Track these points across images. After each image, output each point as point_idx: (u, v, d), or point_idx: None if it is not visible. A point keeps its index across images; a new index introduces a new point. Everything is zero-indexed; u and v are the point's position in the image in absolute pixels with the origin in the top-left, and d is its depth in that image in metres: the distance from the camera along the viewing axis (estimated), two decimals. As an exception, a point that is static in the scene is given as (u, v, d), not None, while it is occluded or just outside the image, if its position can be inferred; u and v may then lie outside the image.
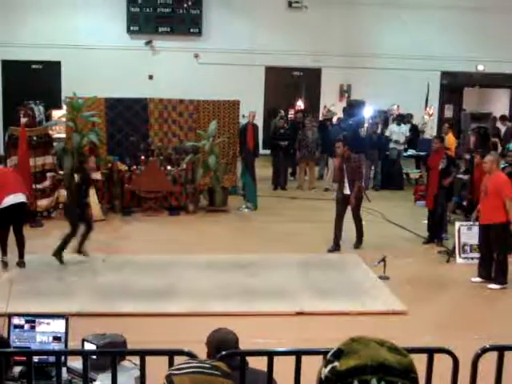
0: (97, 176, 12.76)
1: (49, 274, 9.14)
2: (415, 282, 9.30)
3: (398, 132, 17.00)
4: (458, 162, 13.34)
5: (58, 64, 20.50)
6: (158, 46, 20.88)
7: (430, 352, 3.51)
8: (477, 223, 9.66)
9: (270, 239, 11.39)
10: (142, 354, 3.80)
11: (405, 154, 17.27)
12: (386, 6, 20.74)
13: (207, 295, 8.41)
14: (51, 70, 20.49)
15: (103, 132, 13.97)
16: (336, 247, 10.68)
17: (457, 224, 10.50)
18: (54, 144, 13.63)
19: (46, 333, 4.73)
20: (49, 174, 12.66)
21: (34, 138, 12.44)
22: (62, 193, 12.77)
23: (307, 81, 21.69)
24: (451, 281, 9.56)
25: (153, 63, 20.72)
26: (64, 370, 4.42)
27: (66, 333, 4.72)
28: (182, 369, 2.39)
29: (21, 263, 9.46)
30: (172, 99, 14.59)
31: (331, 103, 20.20)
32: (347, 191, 10.65)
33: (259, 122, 18.51)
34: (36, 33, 19.82)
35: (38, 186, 12.29)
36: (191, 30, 20.91)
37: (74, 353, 4.64)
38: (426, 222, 11.45)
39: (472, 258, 9.98)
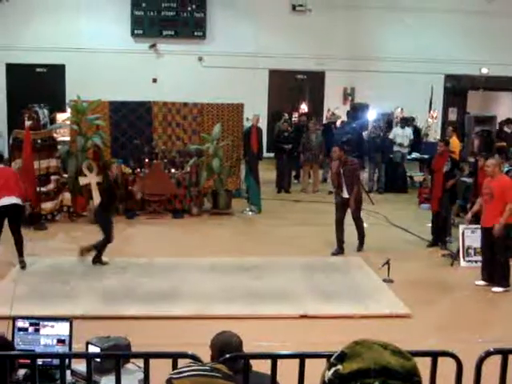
0: (100, 179, 12.79)
1: (53, 277, 9.15)
2: (419, 285, 9.28)
3: (401, 135, 16.98)
4: (462, 165, 13.33)
5: (62, 67, 20.55)
6: (162, 50, 20.91)
7: (434, 355, 3.50)
8: (478, 226, 9.64)
9: (273, 242, 11.39)
10: (146, 356, 3.81)
11: (409, 157, 17.25)
12: (389, 9, 20.75)
13: (211, 298, 8.41)
14: (55, 73, 20.54)
15: (107, 135, 13.99)
16: (340, 250, 10.68)
17: (461, 227, 10.49)
18: (59, 147, 13.66)
19: (50, 335, 4.74)
20: (53, 177, 12.68)
21: (39, 141, 12.46)
22: (67, 196, 12.82)
23: (311, 84, 21.70)
24: (455, 284, 9.55)
25: (157, 66, 20.75)
26: (68, 372, 4.43)
27: (70, 335, 4.73)
28: (183, 372, 2.40)
29: (21, 262, 9.52)
30: (176, 102, 14.61)
31: (335, 106, 20.21)
32: (346, 195, 10.65)
33: (263, 125, 18.52)
34: (40, 36, 19.88)
35: (43, 189, 12.31)
36: (195, 34, 20.94)
37: (78, 355, 4.65)
38: (430, 225, 11.44)
39: (476, 262, 9.96)
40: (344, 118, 19.24)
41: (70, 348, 4.73)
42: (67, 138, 14.66)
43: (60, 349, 4.69)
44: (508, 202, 8.84)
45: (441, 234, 11.17)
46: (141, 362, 4.14)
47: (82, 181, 12.66)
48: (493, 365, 3.61)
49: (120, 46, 20.32)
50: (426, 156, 16.31)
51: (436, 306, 8.67)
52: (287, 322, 7.74)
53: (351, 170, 10.66)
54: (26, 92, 19.49)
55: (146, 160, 13.55)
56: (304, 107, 20.71)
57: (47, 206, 12.46)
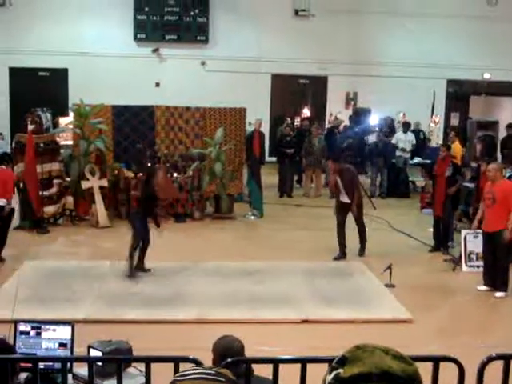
0: (103, 183, 12.81)
1: (55, 281, 9.15)
2: (421, 290, 9.27)
3: (404, 140, 16.97)
4: (463, 170, 13.32)
5: (65, 71, 20.59)
6: (164, 54, 20.95)
7: (436, 360, 3.50)
8: (480, 231, 9.63)
9: (275, 246, 11.39)
10: (148, 360, 3.82)
11: (411, 162, 17.24)
12: (392, 14, 20.78)
13: (213, 302, 8.41)
14: (58, 77, 20.58)
15: (110, 139, 14.01)
16: (342, 255, 10.67)
17: (463, 232, 10.48)
18: (61, 151, 13.68)
19: (51, 339, 4.75)
20: (56, 181, 12.69)
21: (41, 145, 12.48)
22: (69, 199, 12.83)
23: (313, 88, 21.73)
24: (457, 289, 9.55)
25: (160, 71, 20.79)
26: (70, 376, 4.43)
27: (72, 339, 4.73)
28: (187, 375, 2.40)
29: None
30: (178, 106, 14.63)
31: (337, 111, 20.23)
32: (345, 199, 10.66)
33: (265, 129, 18.54)
34: (43, 40, 19.92)
35: (45, 193, 12.32)
36: (198, 38, 20.98)
37: (80, 359, 4.65)
38: (432, 230, 11.44)
39: (478, 267, 9.94)
40: (347, 122, 19.24)
41: (72, 352, 4.74)
42: (70, 142, 14.68)
43: (62, 352, 4.70)
44: (511, 207, 8.84)
45: (443, 239, 11.17)
46: (142, 366, 4.14)
47: (85, 185, 12.67)
48: (495, 370, 3.61)
49: (123, 50, 20.36)
50: (428, 161, 16.31)
51: (438, 311, 8.66)
52: (289, 327, 7.74)
53: (348, 177, 10.66)
54: (29, 96, 19.51)
55: (149, 164, 13.55)
56: (306, 112, 20.73)
57: (50, 209, 12.47)
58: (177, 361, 3.69)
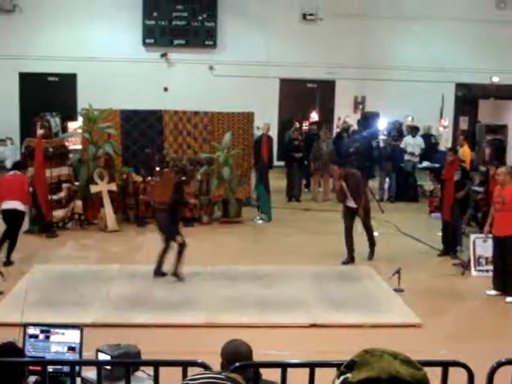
0: (112, 187, 12.84)
1: (63, 285, 9.17)
2: (430, 294, 9.24)
3: (412, 144, 16.93)
4: (472, 174, 13.28)
5: (73, 76, 20.68)
6: (173, 59, 21.00)
7: (445, 365, 3.49)
8: (490, 235, 9.60)
9: (284, 251, 11.38)
10: (156, 364, 3.82)
11: (419, 166, 17.19)
12: (399, 18, 20.75)
13: (221, 306, 8.41)
14: (67, 82, 20.67)
15: (118, 143, 14.05)
16: (350, 259, 10.64)
17: (472, 236, 10.44)
18: (70, 155, 13.74)
19: (60, 343, 4.76)
20: (64, 185, 12.74)
21: (50, 150, 12.53)
22: (78, 204, 12.87)
23: (321, 93, 21.72)
24: (466, 293, 9.50)
25: (168, 75, 20.84)
26: (78, 380, 4.44)
27: (81, 343, 4.75)
28: (196, 379, 2.39)
29: (6, 263, 9.93)
30: (187, 111, 14.66)
31: (346, 115, 20.21)
32: (352, 204, 10.65)
33: (273, 133, 18.55)
34: (52, 45, 20.01)
35: (54, 197, 12.37)
36: (206, 43, 21.02)
37: (89, 363, 4.66)
38: (441, 234, 11.40)
39: (487, 271, 9.90)
40: (355, 126, 19.22)
41: (81, 355, 4.75)
42: (79, 147, 14.73)
43: (70, 356, 4.71)
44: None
45: (451, 244, 11.13)
46: (151, 370, 4.15)
47: (94, 189, 12.70)
48: (504, 375, 3.59)
49: (131, 55, 20.43)
50: (437, 165, 16.27)
51: (447, 316, 8.63)
52: (297, 331, 7.73)
53: (354, 182, 10.65)
54: (38, 101, 19.62)
55: (157, 168, 13.58)
56: (314, 116, 20.73)
57: (58, 213, 12.51)
58: (185, 365, 3.69)
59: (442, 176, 11.36)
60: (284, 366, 3.53)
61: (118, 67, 20.08)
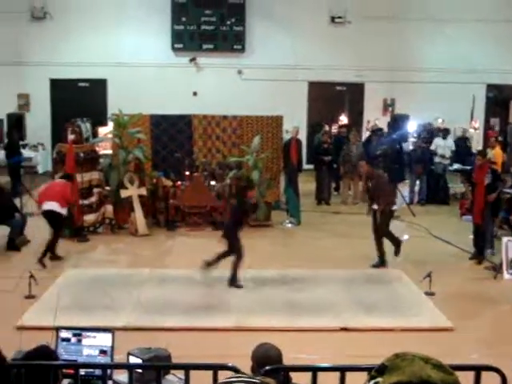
0: (142, 192, 12.92)
1: (95, 289, 9.26)
2: (461, 298, 9.15)
3: (443, 146, 16.77)
4: (504, 176, 13.11)
5: (103, 82, 20.89)
6: (201, 63, 21.09)
7: (477, 369, 3.45)
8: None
9: (313, 254, 11.35)
10: (187, 368, 3.84)
11: (450, 169, 17.02)
12: (429, 20, 20.59)
13: (251, 310, 8.42)
14: (97, 88, 20.89)
15: (148, 148, 14.16)
16: (380, 263, 10.53)
17: (504, 239, 10.32)
18: (101, 160, 13.86)
19: (92, 346, 4.81)
20: (95, 190, 12.85)
21: (81, 155, 12.67)
22: (109, 208, 12.98)
23: (350, 95, 21.64)
24: (498, 297, 9.37)
25: (197, 80, 20.94)
26: (110, 383, 4.48)
27: (112, 346, 4.79)
28: (231, 382, 2.40)
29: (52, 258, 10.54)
30: (216, 115, 14.72)
31: (375, 118, 20.11)
32: (374, 205, 10.60)
33: (302, 137, 18.51)
34: (83, 51, 20.23)
35: (85, 202, 12.50)
36: (234, 47, 21.09)
37: (120, 366, 4.70)
38: (472, 237, 11.27)
39: (520, 274, 9.78)
40: (385, 129, 19.09)
41: (112, 359, 4.79)
42: (109, 152, 14.87)
43: (102, 359, 4.75)
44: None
45: (480, 247, 10.96)
46: (181, 374, 4.17)
47: (124, 193, 12.80)
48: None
49: (160, 60, 20.57)
50: (467, 167, 16.09)
51: (479, 320, 8.53)
52: (327, 335, 7.70)
53: (377, 183, 10.58)
54: (69, 106, 19.85)
55: (187, 173, 13.65)
56: (343, 119, 20.65)
57: (89, 218, 12.64)
58: (215, 368, 3.71)
59: (473, 179, 11.24)
60: (314, 370, 3.53)
61: (147, 72, 20.24)
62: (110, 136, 14.62)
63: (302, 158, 16.67)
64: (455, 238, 12.23)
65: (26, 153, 18.06)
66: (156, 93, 19.66)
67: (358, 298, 8.97)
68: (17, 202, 12.77)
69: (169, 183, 13.52)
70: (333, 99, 21.47)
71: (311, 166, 17.46)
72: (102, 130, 17.34)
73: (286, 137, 15.98)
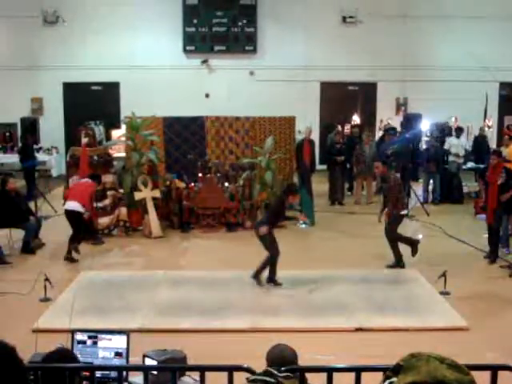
0: (155, 194, 12.96)
1: (110, 291, 9.30)
2: (476, 297, 9.10)
3: (457, 145, 16.69)
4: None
5: (116, 85, 20.97)
6: (213, 65, 21.12)
7: (494, 369, 3.44)
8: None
9: (327, 255, 11.34)
10: (202, 369, 3.85)
11: (464, 167, 16.93)
12: (441, 18, 20.50)
13: (266, 310, 8.42)
14: (110, 91, 20.97)
15: (161, 150, 14.20)
16: (396, 263, 10.45)
17: (519, 238, 10.26)
18: (114, 163, 13.92)
19: (107, 348, 4.83)
20: (109, 193, 12.92)
21: (95, 158, 12.74)
22: (123, 211, 13.03)
23: (362, 95, 21.60)
24: (514, 296, 9.33)
25: (209, 82, 20.97)
26: (126, 385, 4.49)
27: (128, 348, 4.80)
28: (257, 381, 2.41)
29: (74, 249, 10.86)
30: (228, 117, 14.74)
31: (388, 117, 20.05)
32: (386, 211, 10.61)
33: (315, 137, 18.49)
34: (95, 55, 20.32)
35: (99, 205, 12.56)
36: (246, 48, 21.09)
37: (136, 368, 4.71)
38: (487, 236, 11.21)
39: (536, 273, 9.71)
40: (398, 128, 19.03)
41: (127, 361, 4.80)
42: (122, 154, 14.93)
43: (117, 361, 4.77)
44: None
45: (494, 247, 10.88)
46: (197, 375, 4.18)
47: (138, 196, 12.84)
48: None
49: (172, 62, 20.62)
50: (481, 166, 16.00)
51: (495, 319, 8.48)
52: (342, 335, 7.69)
53: (389, 186, 10.55)
54: (83, 110, 19.94)
55: (200, 174, 13.68)
56: (356, 119, 20.61)
57: (104, 220, 12.69)
58: (231, 369, 3.71)
59: (487, 178, 11.17)
60: (330, 371, 3.52)
61: (159, 75, 20.29)
62: (123, 139, 14.67)
63: (315, 159, 16.65)
64: (470, 237, 12.17)
65: (40, 156, 18.18)
66: (168, 95, 19.72)
67: (372, 298, 8.95)
68: (31, 205, 12.83)
69: (182, 185, 13.55)
70: (345, 99, 21.43)
71: (324, 167, 17.43)
72: (116, 133, 17.40)
73: (299, 137, 15.97)
